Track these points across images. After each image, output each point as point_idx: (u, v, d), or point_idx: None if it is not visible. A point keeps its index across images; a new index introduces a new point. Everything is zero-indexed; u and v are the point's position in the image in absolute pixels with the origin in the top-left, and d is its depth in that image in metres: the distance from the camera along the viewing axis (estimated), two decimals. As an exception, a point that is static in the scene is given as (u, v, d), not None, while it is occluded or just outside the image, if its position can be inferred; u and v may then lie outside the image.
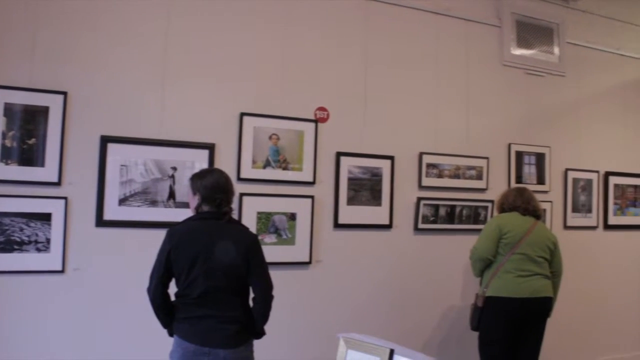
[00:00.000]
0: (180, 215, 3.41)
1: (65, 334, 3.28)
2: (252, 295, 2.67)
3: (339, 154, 4.08)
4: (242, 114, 3.77)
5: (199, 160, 3.59)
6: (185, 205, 3.51)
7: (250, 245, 2.63)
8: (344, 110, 4.15)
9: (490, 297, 3.68)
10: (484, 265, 3.75)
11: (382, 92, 4.31)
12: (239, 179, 3.70)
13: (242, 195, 3.68)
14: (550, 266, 3.80)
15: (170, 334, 2.64)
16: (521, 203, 3.81)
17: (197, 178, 2.67)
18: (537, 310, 3.70)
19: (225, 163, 3.63)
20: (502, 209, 3.90)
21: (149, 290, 2.60)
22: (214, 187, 2.61)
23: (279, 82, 3.93)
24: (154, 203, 3.45)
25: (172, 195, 3.51)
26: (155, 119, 3.53)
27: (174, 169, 3.52)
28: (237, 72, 3.80)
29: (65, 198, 3.27)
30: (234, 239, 2.59)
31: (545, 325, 3.80)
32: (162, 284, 2.59)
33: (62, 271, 3.26)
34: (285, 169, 3.87)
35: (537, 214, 3.84)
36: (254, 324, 2.65)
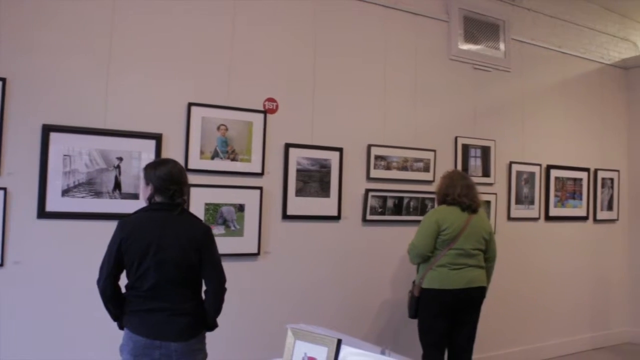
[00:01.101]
0: (126, 206, 3.40)
1: (6, 330, 3.22)
2: (204, 287, 2.69)
3: (287, 145, 4.13)
4: (190, 104, 3.77)
5: (145, 151, 3.57)
6: (132, 196, 3.51)
7: (203, 237, 2.63)
8: (293, 101, 4.20)
9: (426, 289, 3.83)
10: (422, 260, 3.88)
11: (331, 84, 4.38)
12: (187, 169, 3.69)
13: (190, 186, 3.68)
14: (485, 253, 3.95)
15: (121, 327, 2.63)
16: (467, 200, 3.86)
17: (150, 168, 2.66)
18: (471, 300, 3.87)
19: (172, 154, 3.63)
20: (445, 200, 3.94)
21: (99, 281, 2.58)
22: (167, 178, 2.60)
23: (227, 73, 3.94)
24: (98, 194, 3.42)
25: (117, 186, 3.48)
26: (100, 107, 3.49)
27: (120, 159, 3.49)
28: (185, 62, 3.79)
29: (4, 189, 3.20)
30: (186, 231, 2.60)
31: (479, 312, 3.98)
32: (112, 276, 2.57)
33: (1, 265, 3.19)
34: (233, 160, 3.89)
35: (476, 210, 3.92)
36: (206, 317, 2.66)
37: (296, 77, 4.24)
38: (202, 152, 3.79)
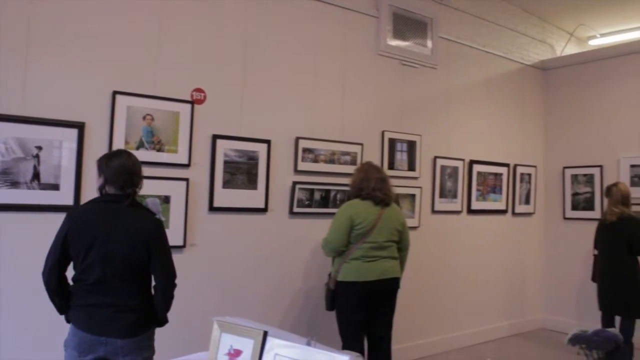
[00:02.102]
0: (45, 197, 3.33)
1: None
2: (154, 283, 2.67)
3: (215, 137, 4.14)
4: (115, 92, 3.71)
5: (67, 140, 3.49)
6: (52, 187, 3.43)
7: (152, 231, 2.60)
8: (221, 92, 4.21)
9: (341, 282, 3.93)
10: (337, 254, 3.99)
11: (260, 76, 4.42)
12: (110, 160, 3.64)
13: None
14: (399, 243, 4.08)
15: (68, 321, 2.59)
16: (380, 194, 3.96)
17: (103, 159, 2.64)
18: (386, 290, 4.00)
19: (96, 143, 3.57)
20: (360, 194, 4.00)
21: (43, 273, 2.54)
22: (118, 169, 2.58)
23: (154, 61, 3.90)
24: (15, 184, 3.31)
25: (36, 176, 3.38)
26: (17, 93, 3.37)
27: (39, 148, 3.40)
28: (111, 49, 3.72)
29: None
30: (135, 225, 2.57)
31: (395, 302, 4.12)
32: (58, 267, 2.53)
33: None
34: (159, 150, 3.87)
35: (389, 203, 4.03)
36: (155, 313, 2.65)
37: (225, 68, 4.24)
38: (126, 142, 3.74)
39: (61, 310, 2.59)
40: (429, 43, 5.68)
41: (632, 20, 6.91)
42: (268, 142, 4.38)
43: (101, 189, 2.62)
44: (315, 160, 4.67)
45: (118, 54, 3.74)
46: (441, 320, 5.80)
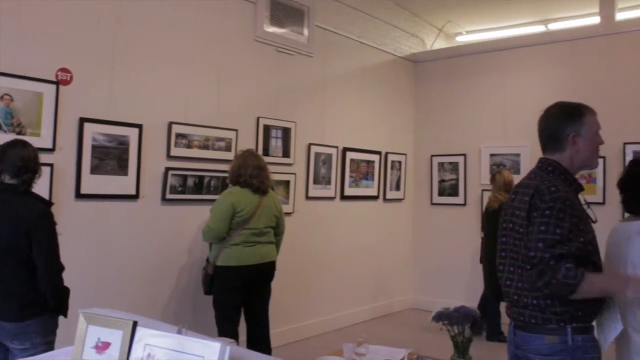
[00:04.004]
0: None
1: None
2: None
3: (82, 120, 4.04)
4: (-32, 70, 3.50)
5: None
6: None
7: (33, 220, 2.69)
8: (89, 73, 4.11)
9: (221, 266, 4.10)
10: (218, 241, 4.14)
11: (132, 58, 4.36)
12: (-37, 142, 3.45)
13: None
14: (276, 228, 4.36)
15: None
16: (257, 182, 4.16)
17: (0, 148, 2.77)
18: (264, 274, 4.27)
19: (-55, 124, 3.36)
20: (238, 181, 4.18)
21: None
22: (13, 159, 2.71)
23: (15, 37, 3.73)
24: None
25: None
26: None
27: None
28: (-38, 23, 3.50)
29: None
30: (20, 213, 2.67)
31: (271, 286, 4.38)
32: None
33: None
34: (20, 133, 3.71)
35: (266, 191, 4.25)
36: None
37: (94, 47, 4.13)
38: (-19, 124, 3.55)
39: None
40: (306, 31, 5.84)
41: (495, 20, 7.54)
42: (140, 126, 4.34)
43: None
44: (189, 146, 4.68)
45: (-28, 29, 3.54)
46: (317, 303, 6.06)
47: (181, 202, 4.66)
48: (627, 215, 2.64)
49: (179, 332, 1.69)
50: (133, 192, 4.33)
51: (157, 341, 1.63)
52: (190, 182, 4.68)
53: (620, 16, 6.21)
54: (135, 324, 1.68)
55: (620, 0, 6.23)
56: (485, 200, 6.40)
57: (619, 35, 6.03)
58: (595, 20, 6.35)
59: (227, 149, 4.94)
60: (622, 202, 2.64)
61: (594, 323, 2.18)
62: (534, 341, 2.14)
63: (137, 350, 1.65)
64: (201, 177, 4.75)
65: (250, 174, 4.13)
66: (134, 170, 4.31)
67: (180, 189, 4.61)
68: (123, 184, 4.26)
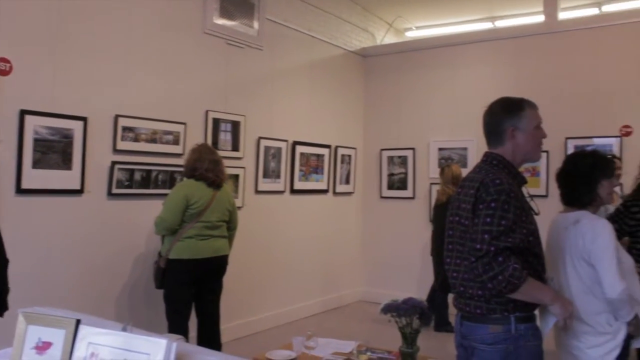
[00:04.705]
0: None
1: None
2: None
3: (23, 112, 3.92)
4: None
5: None
6: None
7: None
8: (30, 63, 4.00)
9: (173, 260, 4.10)
10: (170, 233, 4.14)
11: (77, 49, 4.26)
12: None
13: None
14: (229, 223, 4.40)
15: None
16: (212, 176, 4.20)
17: None
18: (217, 268, 4.30)
19: None
20: (193, 174, 4.20)
21: None
22: None
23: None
24: None
25: None
26: None
27: None
28: None
29: None
30: None
31: (223, 280, 4.41)
32: None
33: None
34: (-44, 126, 3.58)
35: (220, 185, 4.29)
36: None
37: (35, 36, 4.02)
38: None
39: None
40: (256, 24, 5.83)
41: (444, 17, 7.70)
42: (84, 119, 4.25)
43: None
44: (136, 140, 4.61)
45: None
46: (267, 297, 6.08)
47: (128, 196, 4.59)
48: (564, 207, 2.78)
49: (124, 330, 1.66)
50: (77, 187, 4.23)
51: (101, 339, 1.59)
52: (137, 176, 4.61)
53: (563, 15, 6.44)
54: (78, 322, 1.63)
55: (563, 0, 6.46)
56: (434, 194, 6.57)
57: (561, 34, 6.26)
58: (540, 18, 6.56)
59: (175, 142, 4.89)
60: (560, 195, 2.79)
61: (536, 312, 2.29)
62: (479, 331, 2.23)
63: (80, 349, 1.60)
64: (149, 171, 4.70)
65: (206, 167, 4.18)
66: (78, 165, 4.22)
67: (127, 183, 4.55)
68: (67, 178, 4.16)
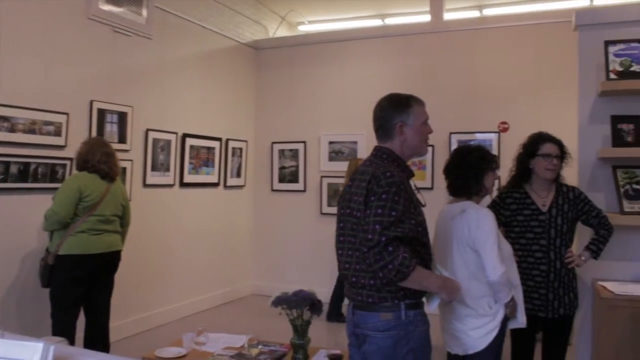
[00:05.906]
0: None
1: None
2: None
3: None
4: None
5: None
6: None
7: None
8: None
9: (64, 256, 3.94)
10: (61, 227, 3.97)
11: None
12: None
13: None
14: (122, 219, 4.31)
15: None
16: (105, 168, 4.10)
17: None
18: (110, 263, 4.22)
19: None
20: (85, 167, 4.09)
21: None
22: None
23: None
24: None
25: None
26: None
27: None
28: None
29: None
30: None
31: (114, 277, 4.31)
32: None
33: None
34: None
35: (114, 178, 4.20)
36: None
37: None
38: None
39: None
40: (145, 12, 5.68)
41: (336, 12, 7.89)
42: (-48, 107, 3.96)
43: None
44: (12, 130, 4.35)
45: None
46: (158, 293, 5.98)
47: (2, 191, 4.32)
48: (451, 198, 3.00)
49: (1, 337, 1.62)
50: (-55, 180, 3.95)
51: (-32, 347, 1.55)
52: (13, 169, 4.35)
53: (448, 16, 6.80)
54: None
55: (448, 1, 6.82)
56: (325, 187, 6.73)
57: (446, 34, 6.62)
58: (427, 18, 6.89)
59: (57, 133, 4.67)
60: (447, 187, 3.00)
61: (424, 299, 2.45)
62: (371, 319, 2.34)
63: (-52, 357, 1.57)
64: (27, 164, 4.45)
65: (98, 159, 4.08)
66: (-54, 157, 3.94)
67: (1, 177, 4.28)
68: None
